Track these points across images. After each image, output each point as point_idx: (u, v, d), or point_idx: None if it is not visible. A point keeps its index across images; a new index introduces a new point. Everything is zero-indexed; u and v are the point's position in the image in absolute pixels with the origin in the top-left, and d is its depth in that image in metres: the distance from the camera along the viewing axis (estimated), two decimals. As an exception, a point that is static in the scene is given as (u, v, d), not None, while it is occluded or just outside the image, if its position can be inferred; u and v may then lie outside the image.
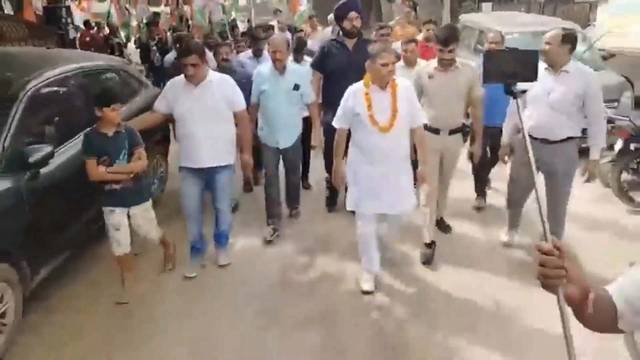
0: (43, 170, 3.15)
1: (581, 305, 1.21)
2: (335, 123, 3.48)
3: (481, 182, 4.89)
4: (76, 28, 11.50)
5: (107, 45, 10.93)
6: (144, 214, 3.49)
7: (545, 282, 1.19)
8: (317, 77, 4.57)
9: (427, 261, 3.89)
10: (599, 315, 1.21)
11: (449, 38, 3.63)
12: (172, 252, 3.91)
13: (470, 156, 4.23)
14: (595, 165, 3.67)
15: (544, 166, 3.60)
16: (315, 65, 4.59)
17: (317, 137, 4.40)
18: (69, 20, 11.27)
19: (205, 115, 3.54)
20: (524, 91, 3.11)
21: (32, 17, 10.02)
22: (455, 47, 3.69)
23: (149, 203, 3.55)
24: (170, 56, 6.23)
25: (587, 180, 3.75)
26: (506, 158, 4.00)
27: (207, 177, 3.71)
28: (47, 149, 3.14)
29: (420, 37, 5.99)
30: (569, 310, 1.22)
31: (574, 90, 3.43)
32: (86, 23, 11.84)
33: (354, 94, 3.34)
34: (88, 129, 3.34)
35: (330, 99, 4.36)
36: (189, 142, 3.62)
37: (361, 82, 3.35)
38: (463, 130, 4.00)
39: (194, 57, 3.43)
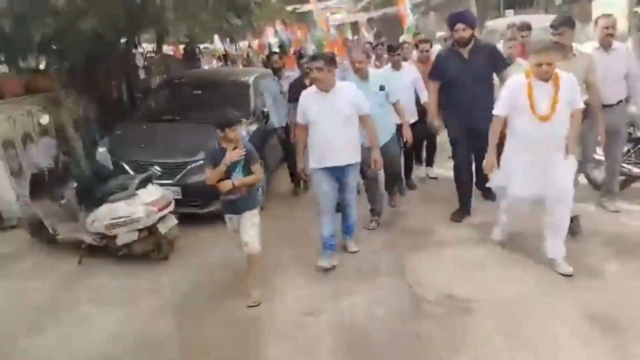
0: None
1: None
2: (495, 111, 3.69)
3: None
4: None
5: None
6: (252, 219, 3.65)
7: None
8: (434, 86, 4.74)
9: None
10: None
11: (559, 23, 4.16)
12: (256, 277, 3.74)
13: None
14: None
15: None
16: (432, 75, 4.78)
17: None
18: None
19: (338, 119, 3.83)
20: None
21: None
22: (567, 30, 4.10)
23: (257, 210, 3.76)
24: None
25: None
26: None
27: (339, 175, 4.01)
28: (268, 109, 5.92)
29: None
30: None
31: None
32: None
33: (513, 85, 3.57)
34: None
35: (447, 105, 4.70)
36: (324, 145, 3.89)
37: (522, 75, 3.55)
38: None
39: (318, 62, 3.82)
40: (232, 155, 3.48)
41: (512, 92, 3.54)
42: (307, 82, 4.76)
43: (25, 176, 5.53)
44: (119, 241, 4.31)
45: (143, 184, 4.38)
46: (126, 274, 4.26)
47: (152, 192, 4.42)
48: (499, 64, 4.57)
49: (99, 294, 3.98)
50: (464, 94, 4.45)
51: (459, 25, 4.45)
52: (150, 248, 4.41)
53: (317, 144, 3.94)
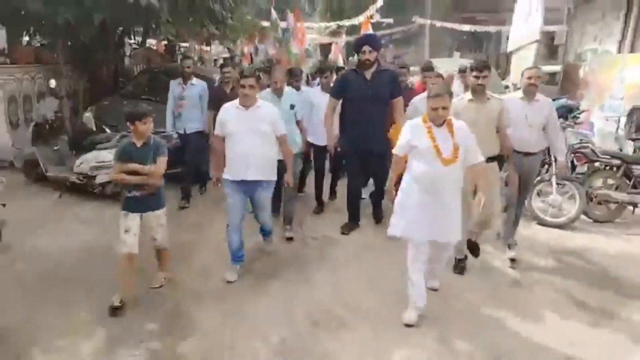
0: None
1: None
2: (395, 151, 3.57)
3: None
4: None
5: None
6: (158, 220, 3.70)
7: None
8: (333, 102, 4.90)
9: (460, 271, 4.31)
10: None
11: (483, 66, 4.01)
12: (167, 270, 3.96)
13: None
14: None
15: None
16: (333, 93, 4.96)
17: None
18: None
19: (255, 135, 3.93)
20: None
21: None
22: (489, 74, 4.00)
23: (164, 210, 3.76)
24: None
25: None
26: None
27: (251, 191, 4.08)
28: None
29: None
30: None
31: None
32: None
33: (412, 128, 3.46)
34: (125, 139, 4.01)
35: (345, 123, 4.92)
36: (240, 158, 3.95)
37: (419, 118, 3.50)
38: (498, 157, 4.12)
39: (251, 80, 3.92)
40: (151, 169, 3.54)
41: (411, 133, 3.47)
42: (227, 89, 5.71)
43: (22, 128, 6.90)
44: (98, 180, 5.73)
45: (122, 139, 5.80)
46: (98, 206, 5.68)
47: (129, 146, 5.84)
48: (395, 90, 4.79)
49: (79, 217, 5.39)
50: (361, 113, 4.69)
51: (366, 47, 4.64)
52: (119, 190, 5.77)
53: (233, 156, 4.02)
